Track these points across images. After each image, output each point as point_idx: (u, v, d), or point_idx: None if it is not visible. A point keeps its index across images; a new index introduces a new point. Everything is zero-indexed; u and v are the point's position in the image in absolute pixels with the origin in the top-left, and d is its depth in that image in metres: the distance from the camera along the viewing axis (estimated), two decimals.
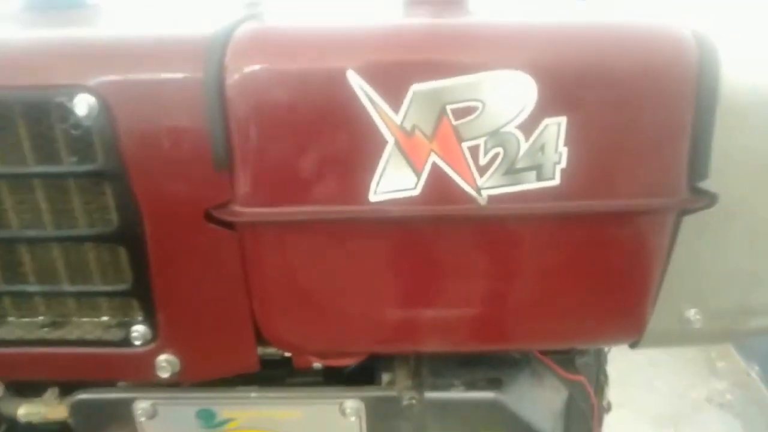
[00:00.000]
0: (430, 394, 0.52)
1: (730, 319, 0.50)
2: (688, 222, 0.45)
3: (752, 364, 2.06)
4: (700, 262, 0.47)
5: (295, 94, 0.40)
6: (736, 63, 0.43)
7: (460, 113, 0.40)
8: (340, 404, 0.52)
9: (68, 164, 0.45)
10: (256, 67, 0.40)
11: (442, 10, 0.48)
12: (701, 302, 0.48)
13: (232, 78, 0.40)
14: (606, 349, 0.68)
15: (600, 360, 0.64)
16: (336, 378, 0.54)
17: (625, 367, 2.10)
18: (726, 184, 0.44)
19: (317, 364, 0.53)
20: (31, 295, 0.51)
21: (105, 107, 0.41)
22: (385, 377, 0.54)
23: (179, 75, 0.41)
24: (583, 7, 0.51)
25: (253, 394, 0.52)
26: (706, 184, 0.44)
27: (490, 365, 0.54)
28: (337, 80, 0.39)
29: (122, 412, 0.53)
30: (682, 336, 0.50)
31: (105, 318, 0.51)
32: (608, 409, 0.84)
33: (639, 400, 1.98)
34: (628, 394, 1.99)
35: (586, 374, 0.58)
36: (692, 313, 0.49)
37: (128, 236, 0.44)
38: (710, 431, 1.84)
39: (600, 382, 0.69)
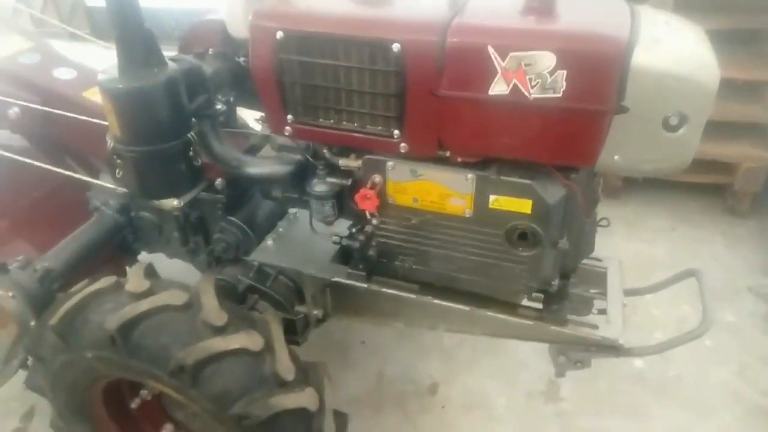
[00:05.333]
0: (503, 177, 1.27)
1: (635, 162, 1.17)
2: (617, 119, 1.12)
3: None
4: (621, 135, 1.14)
5: (468, 51, 1.13)
6: (645, 49, 1.07)
7: (526, 65, 1.10)
8: (466, 175, 1.29)
9: (377, 64, 1.22)
10: (458, 39, 1.13)
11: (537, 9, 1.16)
12: (621, 152, 1.16)
13: (448, 43, 1.14)
14: (597, 179, 1.37)
15: (591, 180, 1.34)
16: (466, 166, 1.30)
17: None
18: (635, 104, 1.09)
19: (459, 159, 1.30)
20: (353, 114, 1.31)
21: (402, 49, 1.17)
22: (487, 169, 1.29)
23: (428, 38, 1.15)
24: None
25: (430, 164, 1.30)
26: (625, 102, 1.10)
27: (531, 170, 1.26)
28: (482, 49, 1.11)
29: (382, 166, 1.35)
30: (613, 168, 1.19)
31: (379, 128, 1.32)
32: (606, 225, 1.53)
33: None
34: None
35: (577, 185, 1.28)
36: (617, 157, 1.17)
37: (400, 95, 1.22)
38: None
39: (594, 196, 1.39)
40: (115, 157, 1.33)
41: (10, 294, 1.46)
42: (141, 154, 1.30)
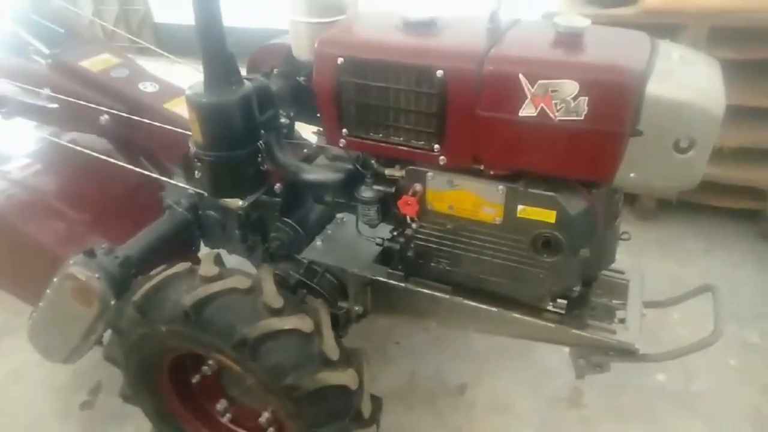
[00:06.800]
0: (531, 190, 1.42)
1: (649, 180, 1.31)
2: (633, 140, 1.27)
3: None
4: (636, 155, 1.28)
5: (502, 78, 1.30)
6: (659, 80, 1.22)
7: (553, 91, 1.26)
8: (497, 186, 1.45)
9: (422, 87, 1.41)
10: (493, 67, 1.31)
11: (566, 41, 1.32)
12: (636, 170, 1.30)
13: (485, 71, 1.31)
14: (618, 196, 1.51)
15: (612, 198, 1.48)
16: (497, 178, 1.47)
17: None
18: (649, 127, 1.24)
19: (491, 172, 1.46)
20: (400, 130, 1.50)
21: (445, 75, 1.35)
22: (516, 181, 1.45)
23: (468, 66, 1.33)
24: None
25: (465, 176, 1.47)
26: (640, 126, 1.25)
27: (555, 184, 1.41)
28: (514, 76, 1.28)
29: (422, 176, 1.52)
30: (629, 184, 1.33)
31: (421, 142, 1.49)
32: (627, 238, 1.66)
33: None
34: None
35: (598, 199, 1.42)
36: (633, 175, 1.31)
37: (442, 115, 1.40)
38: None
39: (614, 211, 1.53)
40: (196, 160, 1.55)
41: (96, 276, 1.69)
42: (218, 159, 1.53)
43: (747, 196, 2.85)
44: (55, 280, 1.78)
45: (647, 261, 2.82)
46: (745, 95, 2.55)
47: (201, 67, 1.48)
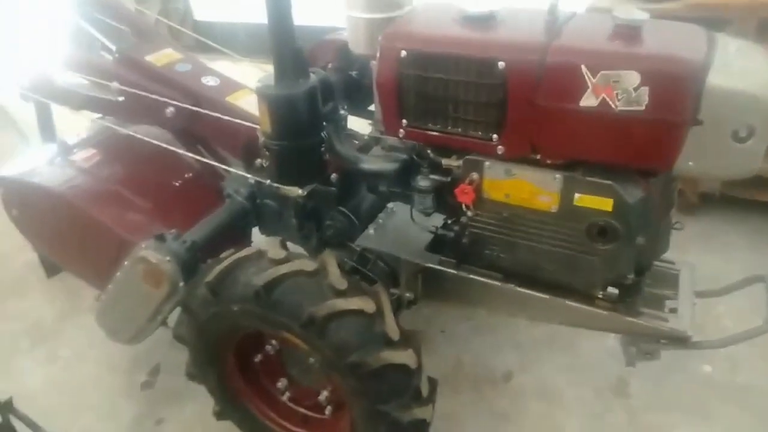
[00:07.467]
0: (588, 178, 1.46)
1: (707, 168, 1.34)
2: (693, 129, 1.30)
3: None
4: (695, 144, 1.32)
5: (564, 69, 1.35)
6: (718, 71, 1.25)
7: (614, 81, 1.30)
8: (554, 175, 1.50)
9: (483, 79, 1.46)
10: (556, 59, 1.36)
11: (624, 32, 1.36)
12: (695, 160, 1.34)
13: (548, 62, 1.36)
14: (674, 184, 1.54)
15: (668, 185, 1.51)
16: (554, 167, 1.51)
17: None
18: (708, 117, 1.28)
19: (548, 161, 1.51)
20: (458, 120, 1.56)
21: (506, 66, 1.40)
22: (573, 169, 1.49)
23: (530, 57, 1.38)
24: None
25: (523, 165, 1.52)
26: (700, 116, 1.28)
27: (612, 173, 1.45)
28: (576, 67, 1.32)
29: (480, 165, 1.58)
30: (687, 172, 1.36)
31: (480, 132, 1.55)
32: (680, 228, 1.68)
33: None
34: None
35: (654, 188, 1.46)
36: (691, 163, 1.34)
37: (502, 105, 1.45)
38: None
39: (670, 200, 1.56)
40: (264, 149, 1.64)
41: (167, 259, 1.79)
42: (286, 148, 1.61)
43: None
44: (126, 263, 1.88)
45: (690, 255, 2.83)
46: None
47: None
